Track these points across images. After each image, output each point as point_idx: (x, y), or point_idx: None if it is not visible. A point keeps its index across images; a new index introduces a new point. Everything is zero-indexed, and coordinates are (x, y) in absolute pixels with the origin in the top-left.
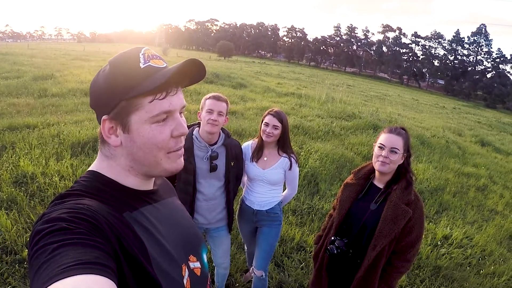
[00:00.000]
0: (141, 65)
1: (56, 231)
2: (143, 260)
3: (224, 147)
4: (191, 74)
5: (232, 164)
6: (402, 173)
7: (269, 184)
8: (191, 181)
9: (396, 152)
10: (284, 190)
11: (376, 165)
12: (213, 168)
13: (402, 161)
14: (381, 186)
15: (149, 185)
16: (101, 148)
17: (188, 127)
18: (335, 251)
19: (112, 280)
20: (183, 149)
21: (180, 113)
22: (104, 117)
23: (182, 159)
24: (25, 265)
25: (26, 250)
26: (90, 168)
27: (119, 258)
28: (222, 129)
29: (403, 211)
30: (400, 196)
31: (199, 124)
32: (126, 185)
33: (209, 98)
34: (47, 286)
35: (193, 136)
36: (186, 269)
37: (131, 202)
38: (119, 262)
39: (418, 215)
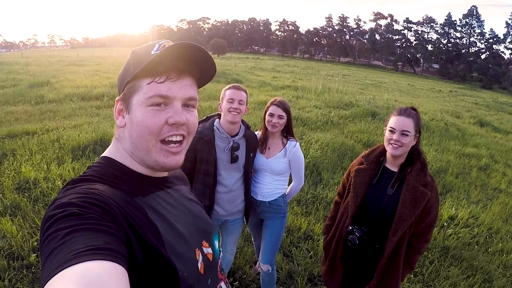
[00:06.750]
0: (152, 52)
1: (67, 216)
2: (157, 243)
3: (245, 138)
4: (195, 61)
5: (251, 155)
6: (415, 155)
7: (273, 174)
8: (211, 172)
9: (407, 135)
10: (290, 183)
11: (389, 149)
12: (234, 159)
13: (414, 142)
14: (394, 169)
15: (161, 173)
16: (115, 132)
17: (207, 118)
18: (357, 241)
19: (122, 266)
20: (179, 149)
21: (189, 105)
22: (116, 98)
23: (177, 158)
24: (33, 270)
25: (33, 255)
26: (103, 154)
27: (131, 243)
28: (242, 120)
29: (422, 193)
30: (417, 178)
31: (218, 115)
32: (136, 171)
33: (229, 88)
34: (58, 272)
35: (214, 127)
36: (200, 254)
37: (143, 187)
38: (131, 246)
39: (435, 195)
